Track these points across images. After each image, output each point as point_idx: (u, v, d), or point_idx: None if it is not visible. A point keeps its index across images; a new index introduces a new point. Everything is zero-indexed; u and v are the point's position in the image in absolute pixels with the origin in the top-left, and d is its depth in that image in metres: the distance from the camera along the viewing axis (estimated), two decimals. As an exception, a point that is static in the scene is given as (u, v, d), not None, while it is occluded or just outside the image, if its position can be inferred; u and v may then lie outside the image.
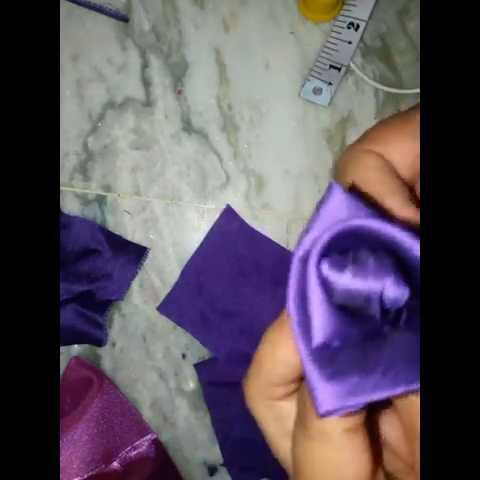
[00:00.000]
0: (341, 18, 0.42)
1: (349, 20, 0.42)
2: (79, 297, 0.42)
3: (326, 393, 0.13)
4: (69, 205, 0.43)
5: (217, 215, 0.43)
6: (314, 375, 0.14)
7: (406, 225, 0.14)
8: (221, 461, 0.44)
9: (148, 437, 0.43)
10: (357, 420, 0.17)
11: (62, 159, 0.43)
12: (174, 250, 0.43)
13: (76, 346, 0.43)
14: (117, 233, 0.43)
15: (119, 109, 0.43)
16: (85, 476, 0.41)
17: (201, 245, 0.43)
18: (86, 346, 0.43)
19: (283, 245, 0.43)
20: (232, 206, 0.43)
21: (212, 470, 0.44)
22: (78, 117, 0.43)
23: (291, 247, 0.43)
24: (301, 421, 0.18)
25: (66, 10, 0.42)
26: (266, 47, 0.43)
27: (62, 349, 0.43)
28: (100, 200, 0.43)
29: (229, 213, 0.43)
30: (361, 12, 0.42)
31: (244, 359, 0.42)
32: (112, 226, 0.43)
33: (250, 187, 0.43)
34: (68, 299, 0.41)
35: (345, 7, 0.42)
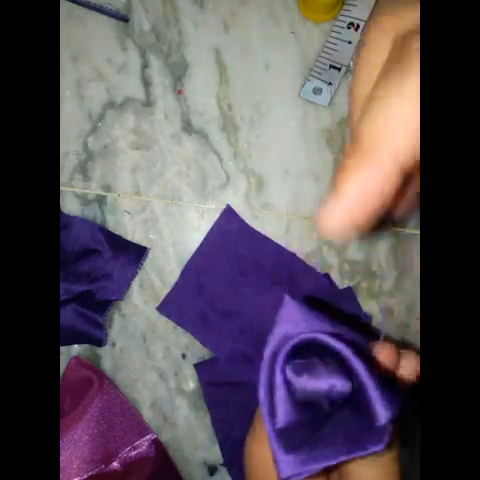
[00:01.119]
0: (341, 18, 0.42)
1: (349, 20, 0.42)
2: (79, 297, 0.42)
3: (285, 462, 0.18)
4: (69, 205, 0.43)
5: (217, 215, 0.43)
6: (276, 449, 0.19)
7: (347, 341, 0.19)
8: (221, 461, 0.44)
9: (148, 437, 0.43)
10: None
11: (62, 159, 0.43)
12: (174, 250, 0.43)
13: (76, 346, 0.43)
14: (117, 233, 0.43)
15: (119, 109, 0.43)
16: (85, 476, 0.41)
17: (201, 245, 0.43)
18: (86, 346, 0.43)
19: (283, 245, 0.43)
20: (232, 206, 0.43)
21: (212, 470, 0.44)
22: (78, 117, 0.43)
23: (291, 247, 0.43)
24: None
25: (66, 10, 0.42)
26: (266, 47, 0.43)
27: (62, 349, 0.43)
28: (100, 200, 0.43)
29: (229, 213, 0.43)
30: (361, 12, 0.42)
31: (244, 359, 0.42)
32: (112, 226, 0.43)
33: (250, 187, 0.43)
34: (68, 299, 0.41)
35: (345, 7, 0.42)
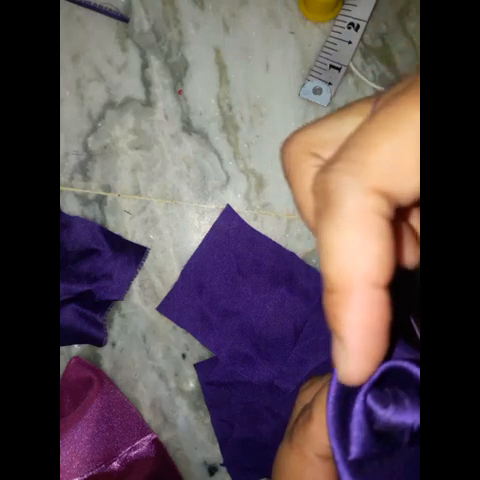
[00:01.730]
0: (341, 18, 0.42)
1: (349, 20, 0.42)
2: (79, 297, 0.42)
3: None
4: (69, 205, 0.43)
5: (217, 215, 0.43)
6: (345, 478, 0.17)
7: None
8: (221, 461, 0.44)
9: (148, 437, 0.43)
10: (328, 452, 0.20)
11: (62, 159, 0.43)
12: (174, 250, 0.43)
13: (76, 346, 0.43)
14: (117, 233, 0.43)
15: (119, 109, 0.43)
16: (85, 476, 0.41)
17: (201, 245, 0.43)
18: (86, 346, 0.43)
19: (283, 245, 0.43)
20: (232, 206, 0.43)
21: (212, 470, 0.44)
22: (78, 117, 0.43)
23: (291, 247, 0.43)
24: (291, 430, 0.21)
25: (66, 10, 0.42)
26: (266, 47, 0.43)
27: (62, 349, 0.43)
28: (100, 200, 0.43)
29: (229, 213, 0.43)
30: (361, 12, 0.42)
31: (244, 359, 0.42)
32: (112, 226, 0.43)
33: (250, 187, 0.43)
34: (68, 299, 0.41)
35: (345, 7, 0.42)
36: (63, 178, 0.43)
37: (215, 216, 0.43)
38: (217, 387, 0.43)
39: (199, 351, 0.44)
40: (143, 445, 0.43)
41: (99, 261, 0.42)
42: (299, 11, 0.43)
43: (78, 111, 0.43)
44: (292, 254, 0.43)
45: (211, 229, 0.43)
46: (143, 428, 0.43)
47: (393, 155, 0.14)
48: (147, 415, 0.44)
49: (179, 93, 0.43)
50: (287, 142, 0.18)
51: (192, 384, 0.44)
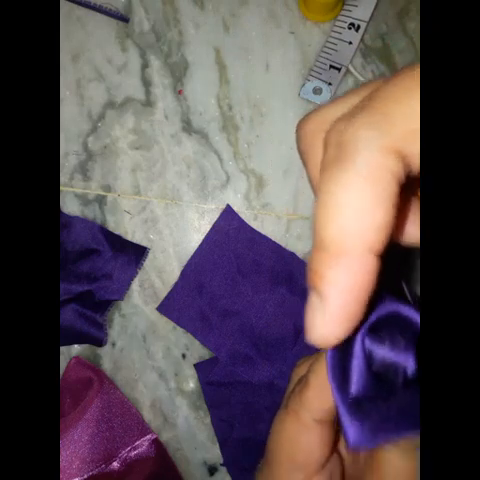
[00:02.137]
0: (341, 18, 0.42)
1: (350, 20, 0.42)
2: (79, 297, 0.42)
3: (354, 430, 0.18)
4: (69, 205, 0.43)
5: (217, 215, 0.43)
6: (344, 417, 0.18)
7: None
8: (221, 461, 0.44)
9: (148, 437, 0.43)
10: (327, 417, 0.20)
11: (62, 159, 0.43)
12: (174, 250, 0.43)
13: (76, 346, 0.43)
14: (117, 233, 0.43)
15: (119, 109, 0.43)
16: (85, 476, 0.41)
17: (201, 245, 0.43)
18: (86, 346, 0.43)
19: (283, 245, 0.43)
20: (232, 206, 0.43)
21: (212, 470, 0.44)
22: (78, 117, 0.43)
23: (291, 247, 0.43)
24: (287, 397, 0.22)
25: (66, 10, 0.42)
26: (266, 47, 0.43)
27: (62, 349, 0.43)
28: (100, 200, 0.43)
29: (229, 213, 0.43)
30: (362, 13, 0.42)
31: (244, 359, 0.42)
32: (112, 226, 0.43)
33: (250, 187, 0.43)
34: (68, 299, 0.41)
35: (345, 7, 0.42)
36: (63, 178, 0.43)
37: (215, 216, 0.43)
38: (217, 387, 0.43)
39: (199, 351, 0.44)
40: (143, 445, 0.43)
41: (99, 261, 0.42)
42: (299, 11, 0.43)
43: (78, 111, 0.43)
44: (292, 254, 0.43)
45: (211, 229, 0.43)
46: (143, 428, 0.43)
47: (418, 111, 0.13)
48: (147, 415, 0.44)
49: (179, 93, 0.43)
50: (302, 122, 0.17)
51: (192, 384, 0.44)
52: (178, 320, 0.43)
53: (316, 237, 0.14)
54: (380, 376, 0.19)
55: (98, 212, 0.43)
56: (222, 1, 0.43)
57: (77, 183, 0.43)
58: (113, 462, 0.42)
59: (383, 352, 0.18)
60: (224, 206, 0.43)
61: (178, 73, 0.43)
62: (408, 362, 0.18)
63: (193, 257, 0.43)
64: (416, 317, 0.18)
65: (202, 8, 0.43)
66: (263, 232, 0.43)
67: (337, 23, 0.42)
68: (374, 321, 0.19)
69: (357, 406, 0.18)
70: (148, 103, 0.43)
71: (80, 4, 0.42)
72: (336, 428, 0.22)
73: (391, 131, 0.13)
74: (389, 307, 0.19)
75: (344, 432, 0.18)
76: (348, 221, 0.13)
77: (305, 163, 0.18)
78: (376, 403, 0.18)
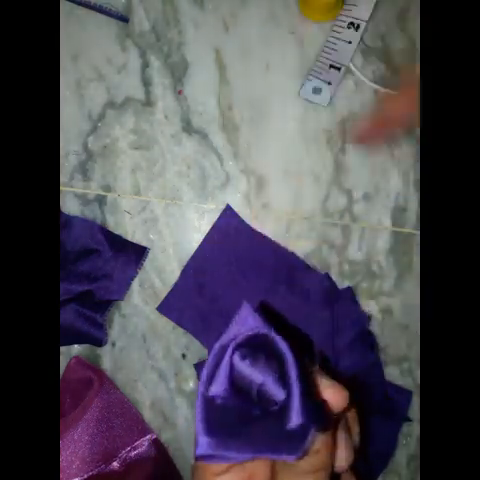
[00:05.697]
0: (341, 18, 0.42)
1: (349, 20, 0.42)
2: (79, 297, 0.42)
3: (204, 441, 0.20)
4: (69, 205, 0.43)
5: (217, 215, 0.43)
6: (199, 423, 0.20)
7: (291, 346, 0.21)
8: (221, 461, 0.44)
9: (148, 437, 0.43)
10: (223, 467, 0.22)
11: (62, 159, 0.43)
12: (174, 250, 0.43)
13: (76, 346, 0.43)
14: (117, 233, 0.43)
15: (119, 109, 0.43)
16: (85, 476, 0.41)
17: (201, 245, 0.43)
18: (86, 346, 0.43)
19: (283, 245, 0.43)
20: (232, 206, 0.43)
21: (212, 470, 0.44)
22: (78, 117, 0.43)
23: (291, 247, 0.43)
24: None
25: (66, 10, 0.42)
26: (266, 47, 0.43)
27: (62, 349, 0.43)
28: (100, 200, 0.43)
29: (229, 213, 0.43)
30: (361, 12, 0.42)
31: (244, 359, 0.42)
32: (112, 226, 0.43)
33: (250, 187, 0.43)
34: (68, 299, 0.41)
35: (345, 7, 0.42)
36: (63, 178, 0.43)
37: (215, 216, 0.43)
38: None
39: (199, 351, 0.44)
40: (143, 445, 0.43)
41: (99, 261, 0.42)
42: (299, 11, 0.43)
43: (78, 111, 0.43)
44: (292, 254, 0.43)
45: (211, 229, 0.43)
46: (143, 428, 0.43)
47: None
48: (147, 415, 0.44)
49: (179, 93, 0.43)
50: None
51: (192, 384, 0.44)
52: (178, 320, 0.43)
53: None
54: (237, 386, 0.21)
55: (98, 212, 0.43)
56: (222, 1, 0.43)
57: (77, 183, 0.43)
58: (113, 462, 0.42)
59: (243, 366, 0.21)
60: (224, 206, 0.43)
61: (178, 73, 0.43)
62: (266, 381, 0.21)
63: (193, 257, 0.43)
64: (280, 343, 0.21)
65: (202, 8, 0.43)
66: (263, 232, 0.43)
67: (337, 23, 0.42)
68: (245, 338, 0.22)
69: (212, 417, 0.20)
70: (148, 103, 0.43)
71: (80, 4, 0.42)
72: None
73: None
74: (259, 330, 0.22)
75: (195, 445, 0.20)
76: None
77: None
78: (230, 421, 0.21)
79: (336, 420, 0.23)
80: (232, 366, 0.22)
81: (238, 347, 0.22)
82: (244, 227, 0.43)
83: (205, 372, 0.22)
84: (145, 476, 0.41)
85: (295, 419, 0.19)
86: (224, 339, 0.23)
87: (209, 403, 0.21)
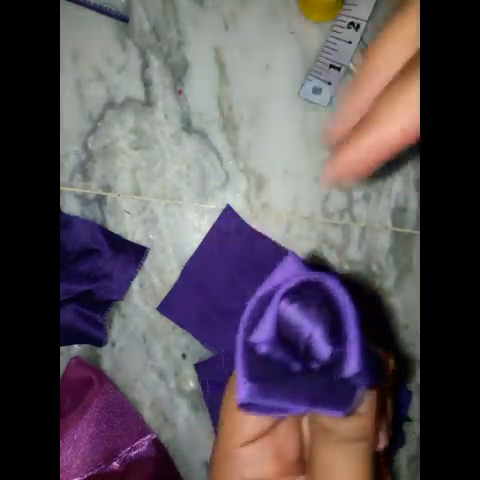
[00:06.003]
0: (342, 18, 0.42)
1: (350, 20, 0.42)
2: (79, 297, 0.42)
3: (247, 387, 0.18)
4: (69, 205, 0.43)
5: (217, 215, 0.43)
6: (241, 370, 0.18)
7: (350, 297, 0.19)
8: (221, 461, 0.44)
9: (148, 437, 0.43)
10: (249, 436, 0.21)
11: (62, 159, 0.43)
12: (174, 250, 0.43)
13: (76, 346, 0.43)
14: (117, 233, 0.43)
15: (119, 109, 0.43)
16: (85, 476, 0.41)
17: (201, 245, 0.43)
18: (86, 346, 0.43)
19: (283, 245, 0.43)
20: (232, 206, 0.43)
21: (212, 470, 0.44)
22: (78, 117, 0.43)
23: (291, 247, 0.43)
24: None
25: (66, 10, 0.42)
26: (266, 47, 0.43)
27: (62, 349, 0.43)
28: (100, 200, 0.43)
29: (229, 213, 0.43)
30: (362, 12, 0.42)
31: (244, 359, 0.42)
32: (112, 226, 0.43)
33: (250, 187, 0.43)
34: (68, 299, 0.41)
35: (346, 7, 0.42)
36: (63, 178, 0.43)
37: (215, 216, 0.43)
38: (217, 387, 0.43)
39: (199, 351, 0.44)
40: (143, 445, 0.43)
41: (99, 261, 0.42)
42: (299, 11, 0.43)
43: (78, 111, 0.43)
44: (292, 254, 0.43)
45: (211, 229, 0.43)
46: (143, 428, 0.43)
47: None
48: (147, 415, 0.44)
49: (179, 93, 0.43)
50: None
51: (192, 384, 0.44)
52: (178, 320, 0.43)
53: (372, 106, 0.19)
54: (283, 336, 0.19)
55: (98, 212, 0.43)
56: (222, 0, 0.43)
57: (77, 183, 0.43)
58: (113, 462, 0.42)
59: (291, 310, 0.19)
60: (224, 206, 0.43)
61: (178, 73, 0.43)
62: (315, 331, 0.19)
63: (193, 257, 0.43)
64: (338, 292, 0.19)
65: (202, 7, 0.43)
66: (263, 232, 0.43)
67: (337, 22, 0.42)
68: (298, 283, 0.19)
69: (254, 365, 0.19)
70: (148, 103, 0.43)
71: (80, 4, 0.42)
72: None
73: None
74: (315, 276, 0.19)
75: (236, 391, 0.18)
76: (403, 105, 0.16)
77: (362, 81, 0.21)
78: (275, 370, 0.19)
79: (382, 389, 0.21)
80: (279, 313, 0.19)
81: (287, 294, 0.20)
82: (244, 227, 0.43)
83: (242, 326, 0.20)
84: (145, 476, 0.41)
85: (353, 366, 0.17)
86: (264, 289, 0.21)
87: (251, 350, 0.19)
